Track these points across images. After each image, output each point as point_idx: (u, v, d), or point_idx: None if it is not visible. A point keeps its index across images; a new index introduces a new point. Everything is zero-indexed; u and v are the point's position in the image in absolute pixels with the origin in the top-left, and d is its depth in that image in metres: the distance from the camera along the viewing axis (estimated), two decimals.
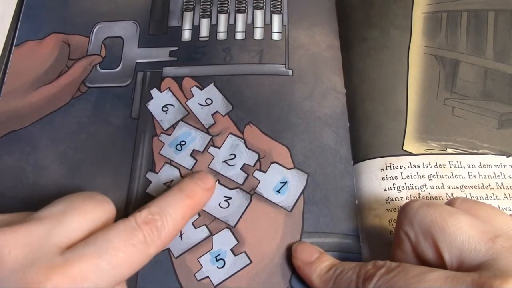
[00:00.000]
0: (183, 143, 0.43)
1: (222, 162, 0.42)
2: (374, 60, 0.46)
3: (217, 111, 0.45)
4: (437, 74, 0.45)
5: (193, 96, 0.45)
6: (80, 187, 0.42)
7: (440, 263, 0.30)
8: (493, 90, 0.45)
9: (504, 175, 0.41)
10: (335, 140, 0.43)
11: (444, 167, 0.41)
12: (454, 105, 0.44)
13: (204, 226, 0.40)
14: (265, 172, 0.42)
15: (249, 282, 0.38)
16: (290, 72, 0.46)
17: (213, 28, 0.49)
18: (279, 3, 0.50)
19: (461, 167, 0.41)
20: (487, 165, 0.41)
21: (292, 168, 0.42)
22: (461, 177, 0.41)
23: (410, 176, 0.41)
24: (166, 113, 0.45)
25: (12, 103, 0.46)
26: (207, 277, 0.38)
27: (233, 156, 0.43)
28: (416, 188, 0.41)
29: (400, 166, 0.42)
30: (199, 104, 0.45)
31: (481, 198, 0.40)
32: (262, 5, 0.50)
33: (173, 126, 0.44)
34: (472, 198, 0.40)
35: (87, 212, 0.32)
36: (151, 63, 0.47)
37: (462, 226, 0.30)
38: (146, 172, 0.42)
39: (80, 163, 0.43)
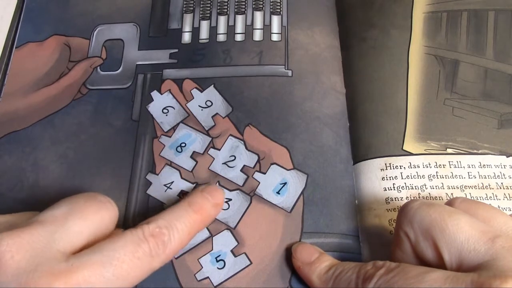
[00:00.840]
0: (183, 145, 0.43)
1: (222, 163, 0.42)
2: (374, 60, 0.46)
3: (217, 113, 0.45)
4: (437, 74, 0.45)
5: (193, 98, 0.45)
6: (80, 188, 0.42)
7: (439, 263, 0.30)
8: (493, 90, 0.45)
9: (504, 175, 0.41)
10: (335, 140, 0.43)
11: (444, 167, 0.41)
12: (454, 105, 0.44)
13: (205, 227, 0.40)
14: (264, 173, 0.42)
15: (249, 283, 0.38)
16: (290, 72, 0.46)
17: (213, 30, 0.49)
18: (279, 4, 0.50)
19: (461, 167, 0.41)
20: (487, 165, 0.41)
21: (291, 169, 0.42)
22: (461, 177, 0.41)
23: (410, 176, 0.41)
24: (166, 115, 0.45)
25: (12, 104, 0.46)
26: (207, 277, 0.38)
27: (233, 157, 0.43)
28: (416, 188, 0.41)
29: (400, 166, 0.42)
30: (199, 106, 0.45)
31: (481, 198, 0.40)
32: (261, 6, 0.50)
33: (174, 128, 0.44)
34: (472, 198, 0.40)
35: (90, 215, 0.31)
36: (152, 65, 0.48)
37: (461, 226, 0.30)
38: (147, 174, 0.42)
39: (80, 164, 0.43)
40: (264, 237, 0.39)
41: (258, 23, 0.49)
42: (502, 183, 0.41)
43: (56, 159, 0.43)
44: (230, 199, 0.41)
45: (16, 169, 0.43)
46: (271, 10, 0.50)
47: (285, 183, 0.41)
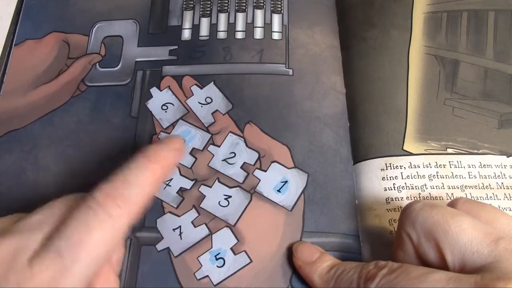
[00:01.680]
0: None
1: (222, 160, 0.42)
2: (374, 60, 0.46)
3: (217, 110, 0.44)
4: (437, 74, 0.45)
5: (193, 94, 0.45)
6: (79, 186, 0.41)
7: (442, 265, 0.30)
8: (493, 90, 0.45)
9: (504, 175, 0.41)
10: (335, 140, 0.43)
11: (444, 167, 0.41)
12: (454, 105, 0.44)
13: (204, 225, 0.40)
14: (265, 171, 0.42)
15: (249, 282, 0.38)
16: (290, 71, 0.46)
17: (213, 27, 0.49)
18: (279, 2, 0.50)
19: (461, 167, 0.41)
20: (487, 165, 0.41)
21: (292, 168, 0.42)
22: (461, 177, 0.41)
23: (410, 176, 0.41)
24: (165, 111, 0.45)
25: (11, 102, 0.46)
26: (207, 276, 0.38)
27: (233, 154, 0.43)
28: (416, 188, 0.41)
29: (400, 166, 0.42)
30: (199, 102, 0.45)
31: (481, 198, 0.40)
32: (262, 4, 0.50)
33: (173, 125, 0.44)
34: (473, 198, 0.40)
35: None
36: (151, 62, 0.47)
37: (464, 227, 0.30)
38: None
39: (79, 161, 0.43)
40: (264, 235, 0.39)
41: (259, 21, 0.49)
42: (502, 183, 0.41)
43: (55, 157, 0.43)
44: (230, 196, 0.41)
45: (15, 167, 0.43)
46: (271, 8, 0.49)
47: (285, 182, 0.41)
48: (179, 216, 0.40)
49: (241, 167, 0.42)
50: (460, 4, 0.48)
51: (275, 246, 0.39)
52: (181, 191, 0.41)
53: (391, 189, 0.41)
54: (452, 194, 0.40)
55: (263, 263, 0.38)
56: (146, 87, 0.46)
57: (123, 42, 0.48)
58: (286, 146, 0.43)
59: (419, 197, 0.40)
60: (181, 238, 0.39)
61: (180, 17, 0.50)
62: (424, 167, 0.41)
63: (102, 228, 0.28)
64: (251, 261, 0.39)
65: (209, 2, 0.50)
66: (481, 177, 0.41)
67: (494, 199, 0.40)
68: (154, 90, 0.46)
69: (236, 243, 0.39)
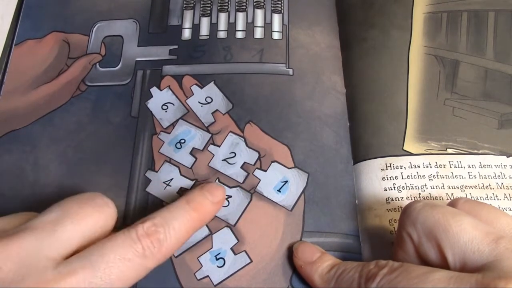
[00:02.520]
0: (182, 141, 0.43)
1: (222, 160, 0.42)
2: (374, 60, 0.46)
3: (217, 110, 0.44)
4: (437, 74, 0.45)
5: (193, 94, 0.45)
6: (80, 186, 0.42)
7: (443, 264, 0.30)
8: (493, 90, 0.45)
9: (504, 175, 0.41)
10: (335, 140, 0.43)
11: (444, 167, 0.41)
12: (454, 105, 0.44)
13: (204, 225, 0.40)
14: (265, 171, 0.42)
15: (249, 282, 0.38)
16: (291, 71, 0.46)
17: (213, 27, 0.49)
18: (280, 2, 0.50)
19: (461, 167, 0.41)
20: (487, 165, 0.41)
21: (292, 168, 0.42)
22: (461, 177, 0.41)
23: (410, 176, 0.41)
24: (165, 111, 0.45)
25: (12, 102, 0.46)
26: (207, 276, 0.38)
27: (233, 154, 0.43)
28: (416, 188, 0.41)
29: (400, 166, 0.42)
30: (199, 102, 0.45)
31: (481, 198, 0.40)
32: (262, 4, 0.50)
33: (173, 124, 0.44)
34: (473, 198, 0.40)
35: (83, 219, 0.31)
36: (151, 62, 0.47)
37: (465, 227, 0.30)
38: (146, 171, 0.42)
39: (80, 162, 0.43)
40: (264, 235, 0.39)
41: (259, 21, 0.49)
42: (502, 183, 0.41)
43: (55, 157, 0.43)
44: (230, 196, 0.41)
45: (16, 168, 0.43)
46: (272, 8, 0.49)
47: (286, 181, 0.41)
48: None
49: (241, 167, 0.42)
50: (460, 4, 0.48)
51: (275, 246, 0.39)
52: (181, 191, 0.41)
53: (391, 189, 0.41)
54: (452, 194, 0.40)
55: (263, 263, 0.38)
56: (146, 86, 0.46)
57: (123, 42, 0.48)
58: (286, 146, 0.43)
59: (419, 197, 0.40)
60: None
61: (180, 17, 0.50)
62: (424, 167, 0.41)
63: (133, 263, 0.30)
64: (251, 261, 0.39)
65: (209, 2, 0.50)
66: (481, 177, 0.41)
67: (494, 199, 0.40)
68: (154, 90, 0.46)
69: (236, 243, 0.39)
